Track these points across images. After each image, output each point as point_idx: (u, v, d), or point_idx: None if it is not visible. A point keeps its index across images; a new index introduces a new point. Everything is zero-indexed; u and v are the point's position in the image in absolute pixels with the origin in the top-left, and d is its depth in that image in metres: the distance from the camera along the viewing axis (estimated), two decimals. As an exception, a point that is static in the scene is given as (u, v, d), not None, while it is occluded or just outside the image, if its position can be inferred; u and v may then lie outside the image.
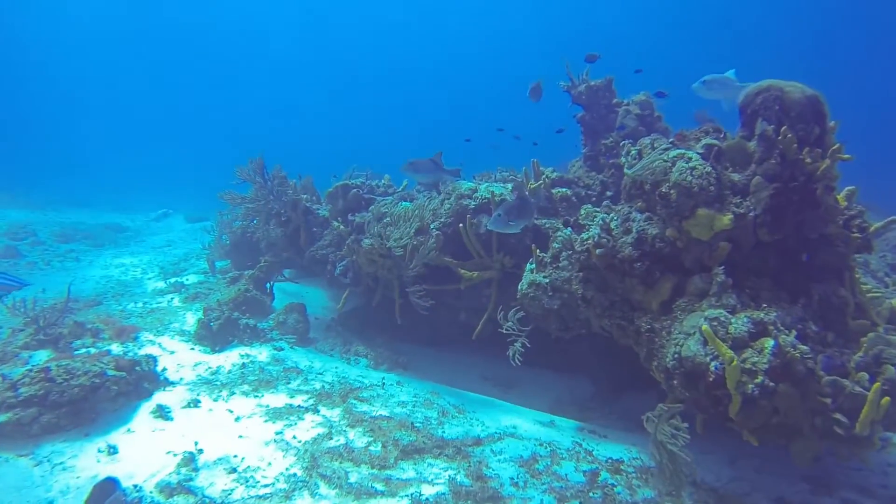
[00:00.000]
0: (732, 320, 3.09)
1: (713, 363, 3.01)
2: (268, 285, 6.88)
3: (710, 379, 3.00)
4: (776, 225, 3.27)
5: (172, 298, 7.01)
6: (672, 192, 3.44)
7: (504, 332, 5.11)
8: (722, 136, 3.73)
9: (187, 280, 7.89)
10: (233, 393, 4.60)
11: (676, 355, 3.26)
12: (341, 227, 5.84)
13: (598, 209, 5.28)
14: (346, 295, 6.24)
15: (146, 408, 4.21)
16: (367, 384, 5.14)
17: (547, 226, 5.42)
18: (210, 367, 5.06)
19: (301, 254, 6.49)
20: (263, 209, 6.46)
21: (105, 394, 4.00)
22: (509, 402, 5.60)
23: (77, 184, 18.63)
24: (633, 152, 3.88)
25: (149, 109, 41.24)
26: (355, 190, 6.12)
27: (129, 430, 3.93)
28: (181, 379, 4.77)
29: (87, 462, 3.56)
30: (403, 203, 5.49)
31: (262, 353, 5.53)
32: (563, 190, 5.74)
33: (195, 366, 5.07)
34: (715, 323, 3.09)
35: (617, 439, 4.82)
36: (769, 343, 2.91)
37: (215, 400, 4.46)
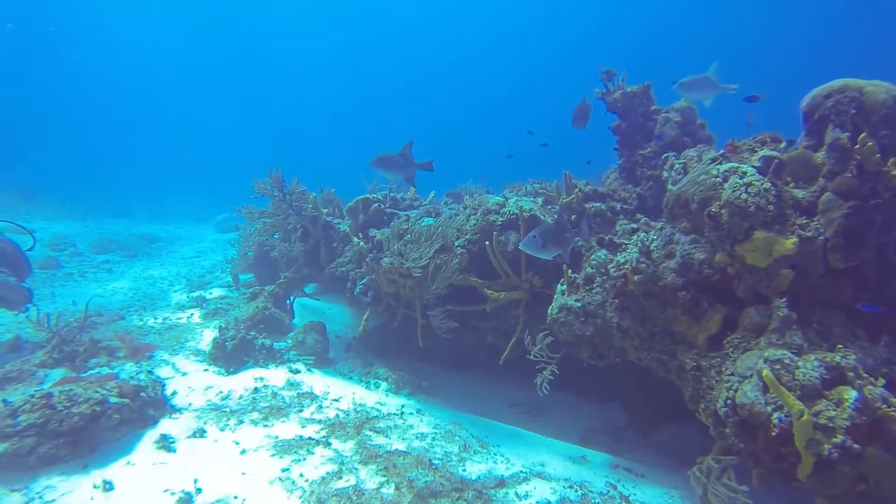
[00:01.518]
0: (800, 363, 2.57)
1: (776, 414, 2.50)
2: (288, 301, 6.57)
3: (773, 433, 2.50)
4: (852, 250, 2.74)
5: (192, 314, 6.76)
6: (723, 211, 2.95)
7: (532, 357, 4.66)
8: (782, 146, 3.22)
9: (210, 294, 7.65)
10: (241, 422, 4.25)
11: (729, 401, 2.76)
12: (361, 243, 5.48)
13: (634, 224, 4.79)
14: (366, 315, 5.86)
15: (150, 437, 3.89)
16: (384, 413, 4.73)
17: (581, 244, 4.96)
18: (221, 392, 4.74)
19: (321, 270, 6.16)
20: (282, 224, 6.15)
21: (106, 422, 3.70)
22: (537, 431, 5.13)
23: (115, 193, 18.90)
24: (677, 166, 3.39)
25: (186, 118, 42.14)
26: (377, 204, 5.75)
27: (129, 462, 3.61)
28: (190, 405, 4.45)
29: (80, 499, 3.25)
30: (426, 219, 5.09)
31: (277, 376, 5.19)
32: (598, 205, 5.26)
33: (206, 390, 4.75)
34: (778, 366, 2.58)
35: (655, 479, 4.31)
36: (850, 394, 2.39)
37: (222, 430, 4.12)
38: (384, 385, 5.52)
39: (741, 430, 2.71)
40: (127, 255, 10.90)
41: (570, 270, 4.49)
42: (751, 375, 2.72)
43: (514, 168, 7.04)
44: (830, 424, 2.34)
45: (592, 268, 3.87)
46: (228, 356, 5.31)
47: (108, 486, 3.29)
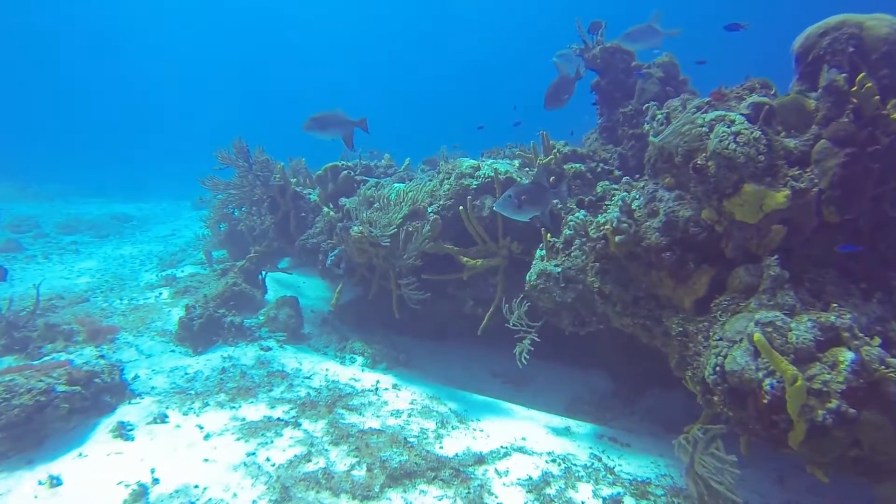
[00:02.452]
0: (792, 325, 2.35)
1: (768, 381, 2.29)
2: (260, 276, 6.27)
3: (765, 401, 2.29)
4: (848, 201, 2.51)
5: (161, 293, 6.45)
6: (710, 163, 2.69)
7: (511, 326, 4.44)
8: (772, 92, 2.95)
9: (181, 272, 7.33)
10: (206, 404, 4.00)
11: (718, 368, 2.55)
12: (331, 213, 5.17)
13: (616, 186, 4.54)
14: (339, 287, 5.60)
15: (105, 426, 3.63)
16: (358, 390, 4.51)
17: (560, 206, 4.70)
18: (187, 374, 4.47)
19: (292, 243, 5.85)
20: (248, 196, 5.82)
21: (53, 413, 3.43)
22: (521, 401, 4.95)
23: (94, 175, 18.23)
24: (659, 116, 3.11)
25: (164, 98, 40.87)
26: (346, 171, 5.42)
27: (80, 454, 3.35)
28: (152, 388, 4.18)
29: (21, 498, 2.99)
30: (396, 185, 4.79)
31: (246, 355, 4.93)
32: (577, 166, 4.98)
33: (171, 372, 4.48)
34: (769, 329, 2.36)
35: (641, 447, 4.15)
36: (846, 356, 2.18)
37: (185, 414, 3.87)
38: (360, 360, 5.29)
39: (731, 397, 2.51)
40: (97, 235, 10.48)
41: (548, 234, 4.25)
42: (741, 340, 2.50)
43: (487, 140, 6.72)
44: (825, 389, 2.14)
45: (571, 230, 3.62)
46: (195, 336, 5.03)
47: (54, 482, 3.03)
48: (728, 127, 2.65)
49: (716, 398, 2.62)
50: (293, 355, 5.12)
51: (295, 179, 5.91)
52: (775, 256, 2.55)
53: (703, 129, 2.75)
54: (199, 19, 39.68)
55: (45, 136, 28.62)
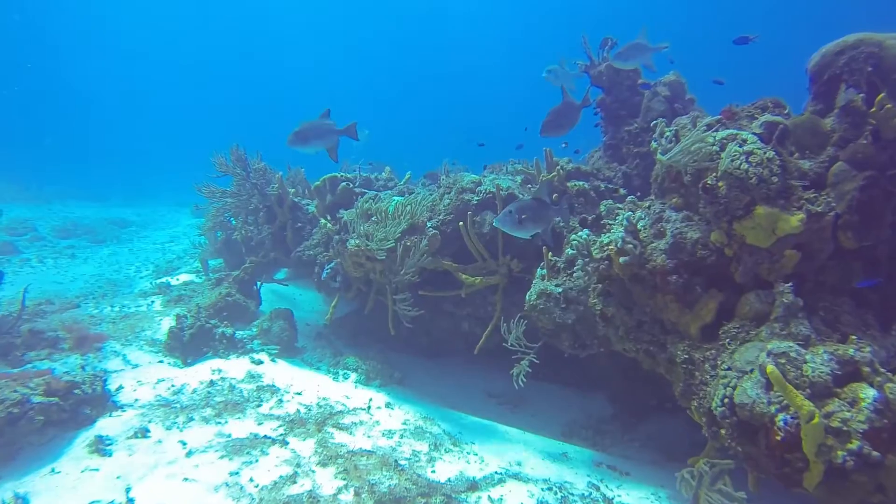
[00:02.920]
0: (808, 357, 2.21)
1: (781, 416, 2.14)
2: (257, 285, 6.13)
3: (778, 437, 2.14)
4: (867, 227, 2.38)
5: (154, 301, 6.30)
6: (721, 184, 2.57)
7: (510, 346, 4.29)
8: (786, 112, 2.83)
9: (176, 280, 7.18)
10: (191, 419, 3.84)
11: (726, 399, 2.40)
12: (328, 225, 5.05)
13: (620, 205, 4.41)
14: (335, 301, 5.45)
15: (83, 440, 3.46)
16: (350, 408, 4.34)
17: (562, 225, 4.58)
18: (173, 386, 4.31)
19: (289, 254, 5.72)
20: (244, 205, 5.69)
21: (27, 426, 3.27)
22: (516, 424, 4.78)
23: (94, 179, 18.16)
24: (668, 133, 3.00)
25: (167, 105, 40.92)
26: (345, 183, 5.31)
27: (53, 470, 3.18)
28: (136, 401, 4.02)
29: (-13, 516, 2.83)
30: (395, 198, 4.67)
31: (236, 368, 4.77)
32: (580, 183, 4.86)
33: (157, 383, 4.32)
34: (783, 360, 2.22)
35: (641, 477, 3.98)
36: (867, 393, 2.03)
37: (168, 428, 3.70)
38: (353, 376, 5.12)
39: (739, 431, 2.36)
40: (94, 239, 10.35)
41: (550, 253, 4.12)
42: (751, 370, 2.35)
43: (488, 156, 6.60)
44: (845, 428, 1.99)
45: (573, 249, 3.48)
46: (185, 346, 4.88)
47: (21, 502, 2.86)
48: (740, 146, 2.53)
49: (723, 431, 2.47)
50: (285, 369, 4.96)
51: (293, 190, 5.79)
52: (789, 283, 2.41)
53: (714, 147, 2.63)
54: (206, 24, 39.77)
55: (48, 138, 28.59)
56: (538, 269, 4.25)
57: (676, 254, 2.80)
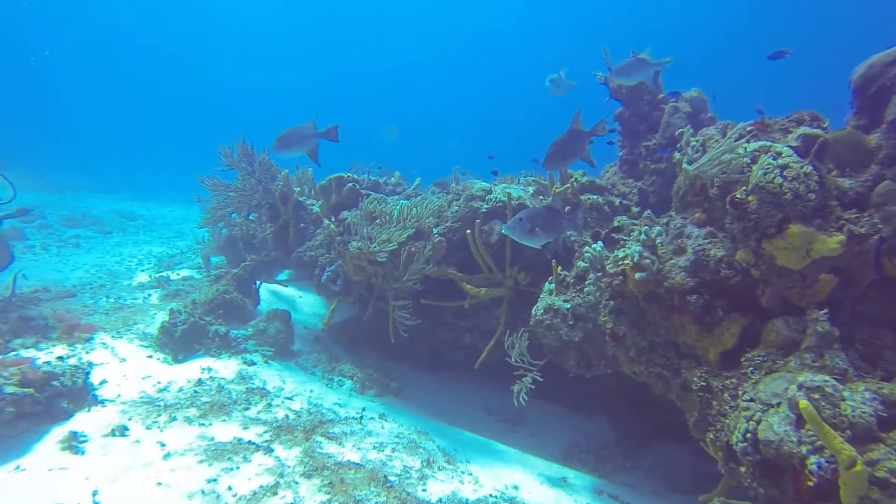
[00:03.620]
0: (846, 394, 1.96)
1: (814, 458, 1.89)
2: (256, 285, 5.93)
3: (810, 483, 1.89)
4: (915, 254, 2.14)
5: (150, 295, 6.11)
6: (751, 198, 2.33)
7: (513, 363, 4.05)
8: (824, 126, 2.60)
9: (175, 275, 7.00)
10: (174, 418, 3.61)
11: (749, 435, 2.15)
12: (332, 225, 4.85)
13: (635, 221, 4.19)
14: (334, 305, 5.24)
15: (55, 435, 3.24)
16: (341, 416, 4.10)
17: (573, 239, 4.35)
18: (160, 382, 4.09)
19: (290, 254, 5.52)
20: (247, 200, 5.50)
21: (-3, 416, 3.06)
22: (514, 443, 4.53)
23: (109, 172, 18.13)
24: (694, 143, 2.77)
25: (186, 103, 40.97)
26: (352, 184, 5.11)
27: (18, 467, 2.95)
28: (118, 396, 3.80)
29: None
30: (402, 202, 4.46)
31: (227, 368, 4.54)
32: (594, 197, 4.64)
33: (143, 379, 4.10)
34: (817, 395, 1.97)
35: (644, 510, 3.71)
36: (915, 440, 1.78)
37: (148, 427, 3.47)
38: (348, 384, 4.89)
39: (763, 472, 2.10)
40: (101, 230, 10.22)
41: (559, 267, 3.89)
42: (778, 404, 2.10)
43: (497, 168, 6.39)
44: (893, 479, 1.73)
45: (585, 262, 3.25)
46: (176, 343, 4.66)
47: (-21, 498, 2.65)
48: (774, 159, 2.30)
49: (743, 469, 2.22)
50: (277, 372, 4.73)
51: (298, 189, 5.60)
52: (824, 310, 2.17)
53: (745, 159, 2.40)
54: (228, 24, 39.71)
55: (68, 130, 28.70)
56: (546, 284, 4.02)
57: (697, 272, 2.56)
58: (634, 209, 4.38)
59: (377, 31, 40.46)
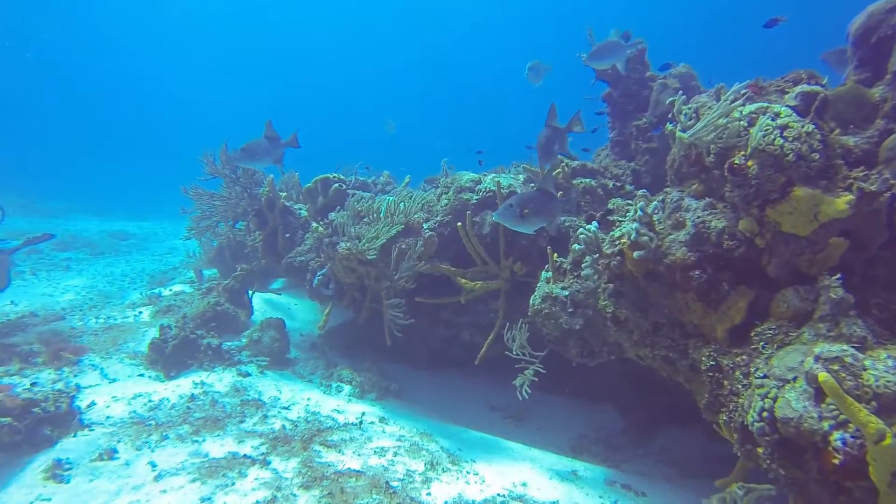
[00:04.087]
0: (867, 363, 1.81)
1: (838, 434, 1.74)
2: (248, 294, 5.77)
3: (835, 460, 1.74)
4: (930, 209, 1.99)
5: (141, 312, 5.95)
6: (751, 163, 2.19)
7: (513, 356, 3.90)
8: (823, 84, 2.46)
9: (167, 291, 6.84)
10: (166, 437, 3.46)
11: (765, 413, 2.00)
12: (320, 228, 4.69)
13: (630, 202, 4.04)
14: (328, 309, 5.09)
15: (40, 464, 3.07)
16: (340, 423, 3.95)
17: (567, 224, 4.20)
18: (151, 401, 3.93)
19: (280, 261, 5.37)
20: (231, 209, 5.35)
21: (-26, 448, 2.90)
22: (520, 439, 4.38)
23: (101, 194, 17.90)
24: (686, 111, 2.62)
25: (173, 121, 40.55)
26: (338, 185, 4.96)
27: (-1, 501, 2.81)
28: (107, 418, 3.64)
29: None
30: (388, 198, 4.31)
31: (221, 381, 4.39)
32: (587, 181, 4.50)
33: (133, 399, 3.94)
34: (836, 367, 1.82)
35: (660, 498, 3.56)
36: (946, 408, 1.63)
37: (139, 448, 3.32)
38: (347, 389, 4.74)
39: (782, 451, 1.95)
40: (93, 252, 10.05)
41: (555, 254, 3.74)
42: (794, 379, 1.96)
43: (487, 164, 6.22)
44: (925, 452, 1.58)
45: (581, 244, 3.10)
46: (168, 359, 4.51)
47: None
48: (774, 119, 2.15)
49: (760, 450, 2.07)
50: (273, 382, 4.57)
51: (285, 193, 5.45)
52: (837, 276, 2.02)
53: (742, 122, 2.26)
54: (216, 36, 39.31)
55: (58, 155, 28.37)
56: (543, 272, 3.87)
57: (699, 246, 2.42)
58: (628, 188, 4.23)
59: (360, 33, 40.14)
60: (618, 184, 4.63)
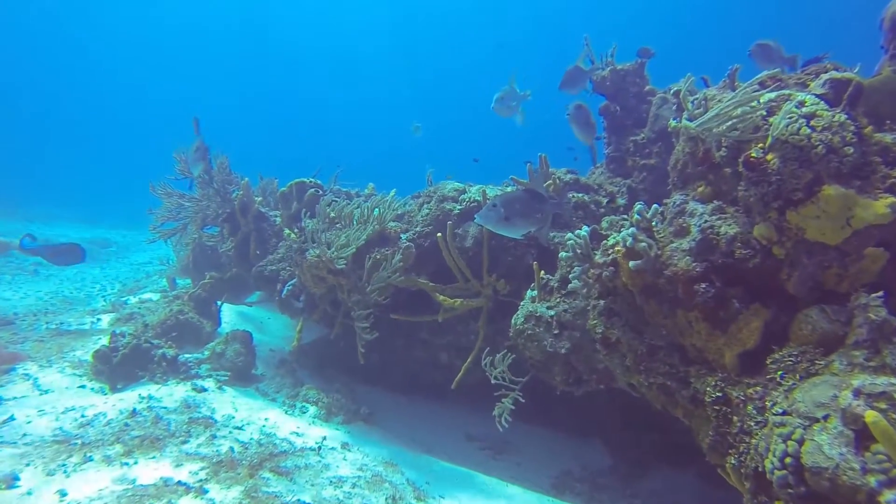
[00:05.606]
0: (923, 401, 1.42)
1: (890, 495, 1.34)
2: (217, 304, 5.32)
3: (883, 527, 1.33)
4: None
5: (101, 319, 5.49)
6: (770, 156, 1.83)
7: (493, 382, 3.48)
8: (856, 70, 2.11)
9: (135, 299, 6.39)
10: (89, 459, 2.99)
11: (788, 459, 1.59)
12: (293, 234, 4.30)
13: (625, 217, 3.68)
14: (300, 324, 4.67)
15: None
16: (297, 447, 3.49)
17: (556, 240, 3.82)
18: (84, 416, 3.47)
19: (251, 270, 4.96)
20: (201, 210, 4.95)
21: None
22: (498, 473, 3.94)
23: (89, 202, 17.47)
24: (690, 105, 2.27)
25: (167, 128, 39.78)
26: (314, 190, 4.58)
27: None
28: (24, 436, 3.17)
29: None
30: (364, 202, 3.93)
31: (172, 395, 3.93)
32: (580, 195, 4.15)
33: (63, 413, 3.48)
34: (883, 405, 1.43)
35: (648, 549, 3.11)
36: None
37: (51, 473, 2.84)
38: (312, 410, 4.28)
39: (810, 509, 1.54)
40: (69, 258, 9.59)
41: (542, 271, 3.35)
42: (825, 417, 1.56)
43: (484, 175, 5.73)
44: None
45: (569, 251, 2.71)
46: (115, 370, 4.06)
47: None
48: (799, 107, 1.80)
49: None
50: (231, 399, 4.12)
51: (260, 199, 5.07)
52: (879, 293, 1.64)
53: (760, 112, 1.90)
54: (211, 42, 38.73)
55: (49, 162, 27.80)
56: (528, 291, 3.48)
57: (706, 255, 2.03)
58: (620, 201, 3.89)
59: (351, 51, 39.59)
60: (612, 202, 4.28)
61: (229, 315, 5.75)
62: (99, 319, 5.47)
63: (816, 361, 1.75)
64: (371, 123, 40.20)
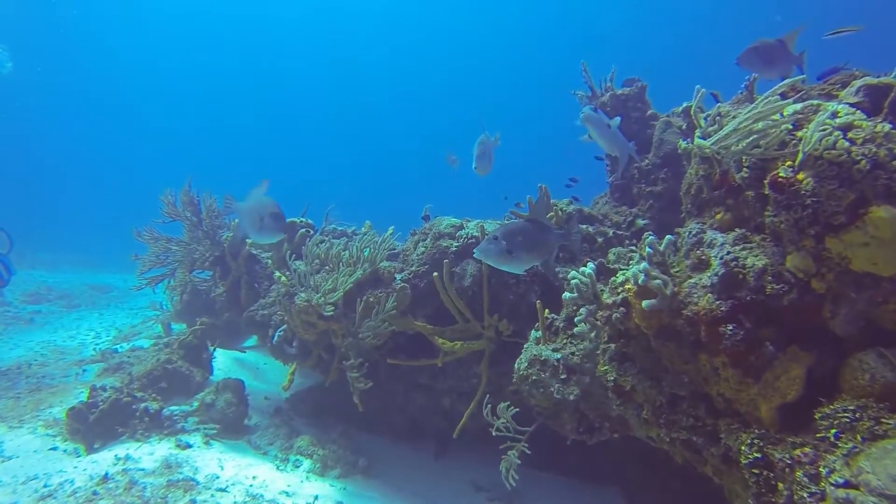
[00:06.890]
0: None
1: None
2: (210, 351, 5.03)
3: None
4: None
5: (86, 371, 5.21)
6: (804, 175, 1.56)
7: (494, 434, 3.15)
8: (893, 76, 1.85)
9: (127, 346, 6.12)
10: (47, 536, 2.67)
11: (856, 545, 1.27)
12: (283, 278, 4.04)
13: (633, 249, 3.40)
14: (292, 371, 4.36)
15: None
16: (284, 512, 3.15)
17: (562, 276, 3.54)
18: (47, 486, 3.14)
19: (242, 314, 4.69)
20: (189, 254, 4.71)
21: None
22: (509, 531, 3.55)
23: (98, 248, 17.34)
24: (703, 119, 2.01)
25: (168, 172, 39.29)
26: (305, 230, 4.34)
27: None
28: (-20, 509, 2.87)
29: None
30: (354, 244, 3.68)
31: (153, 454, 3.61)
32: (584, 227, 3.88)
33: (24, 483, 3.15)
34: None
35: None
36: None
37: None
38: (306, 464, 3.94)
39: None
40: (68, 304, 9.37)
41: (547, 310, 3.06)
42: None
43: (480, 207, 5.22)
44: None
45: (574, 292, 2.41)
46: (91, 428, 3.75)
47: None
48: (833, 118, 1.53)
49: None
50: (218, 455, 3.79)
51: (251, 240, 4.82)
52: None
53: (785, 125, 1.64)
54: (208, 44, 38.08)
55: (54, 208, 27.84)
56: (532, 332, 3.18)
57: (731, 291, 1.74)
58: (640, 222, 3.63)
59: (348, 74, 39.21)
60: (619, 232, 4.00)
61: (223, 361, 5.46)
62: (85, 370, 5.19)
63: (883, 420, 1.43)
64: (371, 148, 39.88)
